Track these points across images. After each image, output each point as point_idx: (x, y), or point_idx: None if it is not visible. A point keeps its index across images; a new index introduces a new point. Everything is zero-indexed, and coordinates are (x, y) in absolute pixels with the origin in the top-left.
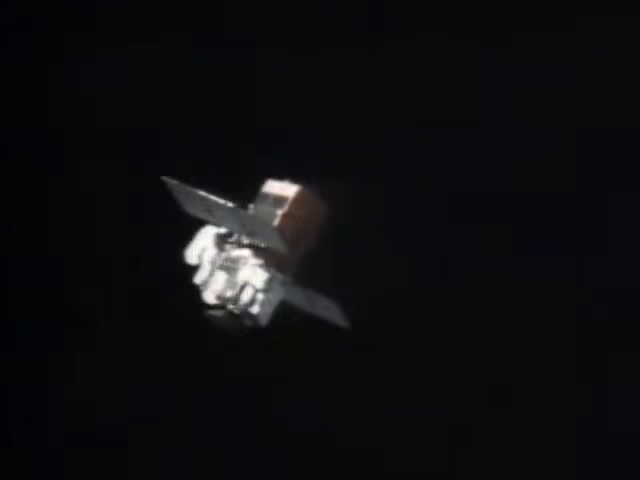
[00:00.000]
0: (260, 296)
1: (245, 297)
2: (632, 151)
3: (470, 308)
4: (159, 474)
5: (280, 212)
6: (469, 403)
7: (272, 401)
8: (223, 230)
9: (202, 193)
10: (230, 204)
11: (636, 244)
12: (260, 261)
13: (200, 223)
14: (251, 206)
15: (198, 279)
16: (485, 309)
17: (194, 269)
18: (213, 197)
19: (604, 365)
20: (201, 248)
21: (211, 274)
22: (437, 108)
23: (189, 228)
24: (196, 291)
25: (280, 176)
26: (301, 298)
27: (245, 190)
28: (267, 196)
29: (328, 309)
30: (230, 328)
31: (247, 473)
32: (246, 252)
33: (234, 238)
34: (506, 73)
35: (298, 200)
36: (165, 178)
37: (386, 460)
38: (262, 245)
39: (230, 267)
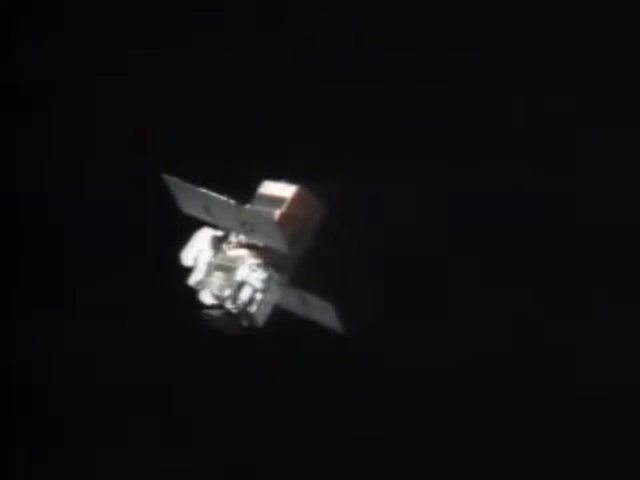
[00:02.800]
0: (258, 296)
1: (243, 296)
2: None
3: (470, 311)
4: (158, 474)
5: (279, 212)
6: (467, 406)
7: (268, 402)
8: (220, 233)
9: (202, 190)
10: (232, 201)
11: None
12: (258, 260)
13: (197, 225)
14: (248, 206)
15: (192, 280)
16: (485, 312)
17: (190, 271)
18: (214, 194)
19: None
20: (197, 250)
21: (208, 274)
22: (435, 110)
23: (187, 229)
24: (192, 292)
25: (276, 177)
26: (296, 300)
27: (240, 191)
28: (264, 197)
29: (323, 311)
30: (226, 328)
31: (246, 472)
32: (244, 252)
33: (231, 239)
34: (504, 75)
35: (296, 200)
36: (165, 175)
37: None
38: (261, 244)
39: (228, 267)
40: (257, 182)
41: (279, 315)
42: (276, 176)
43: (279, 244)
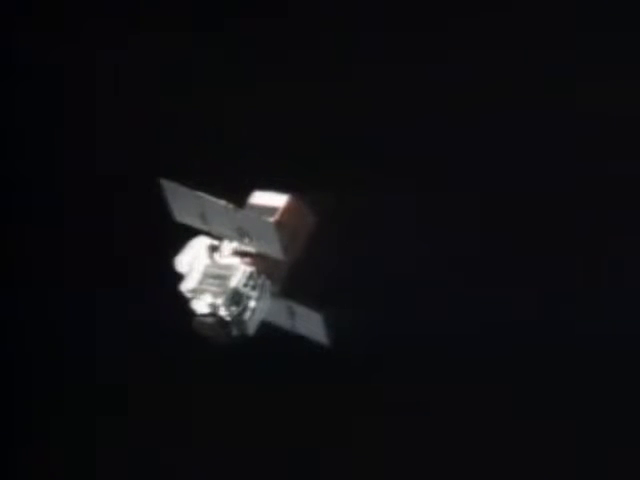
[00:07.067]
0: (251, 303)
1: (236, 304)
2: None
3: (470, 320)
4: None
5: (272, 220)
6: (466, 410)
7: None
8: (216, 242)
9: (199, 194)
10: (230, 205)
11: None
12: (252, 268)
13: (192, 234)
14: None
15: (184, 287)
16: (486, 322)
17: (183, 277)
18: (211, 198)
19: None
20: (192, 256)
21: (202, 282)
22: (429, 119)
23: (182, 236)
24: (184, 299)
25: (265, 187)
26: (283, 311)
27: (231, 201)
28: (255, 207)
29: (311, 322)
30: (217, 336)
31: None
32: (238, 259)
33: (225, 247)
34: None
35: (288, 209)
36: (162, 180)
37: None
38: (254, 251)
39: (222, 274)
40: (247, 192)
41: (267, 324)
42: (266, 186)
43: (275, 249)
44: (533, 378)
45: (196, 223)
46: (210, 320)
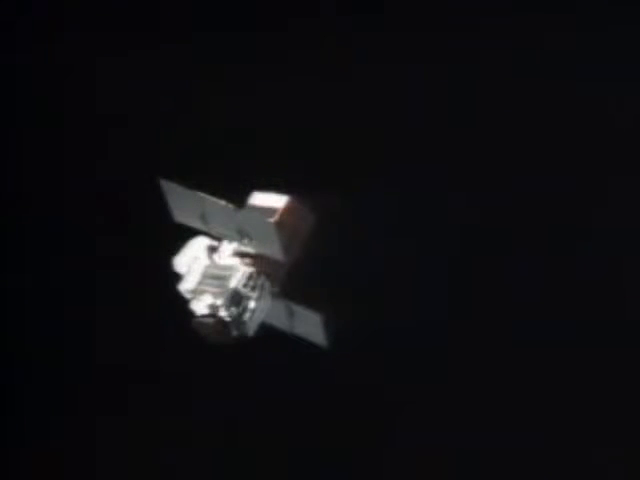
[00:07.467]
0: (251, 304)
1: (236, 304)
2: None
3: (470, 320)
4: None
5: (272, 220)
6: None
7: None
8: (215, 242)
9: (199, 194)
10: (230, 205)
11: None
12: (252, 269)
13: (191, 234)
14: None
15: (183, 287)
16: (485, 322)
17: (181, 278)
18: (212, 198)
19: None
20: (191, 257)
21: (201, 282)
22: (430, 116)
23: (181, 237)
24: (183, 299)
25: (265, 187)
26: (282, 312)
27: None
28: (255, 207)
29: (310, 323)
30: (216, 337)
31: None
32: (238, 260)
33: (224, 247)
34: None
35: (287, 210)
36: (162, 180)
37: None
38: (254, 252)
39: (221, 275)
40: (247, 192)
41: (267, 325)
42: (266, 186)
43: (275, 250)
44: (533, 378)
45: (196, 223)
46: (210, 321)
